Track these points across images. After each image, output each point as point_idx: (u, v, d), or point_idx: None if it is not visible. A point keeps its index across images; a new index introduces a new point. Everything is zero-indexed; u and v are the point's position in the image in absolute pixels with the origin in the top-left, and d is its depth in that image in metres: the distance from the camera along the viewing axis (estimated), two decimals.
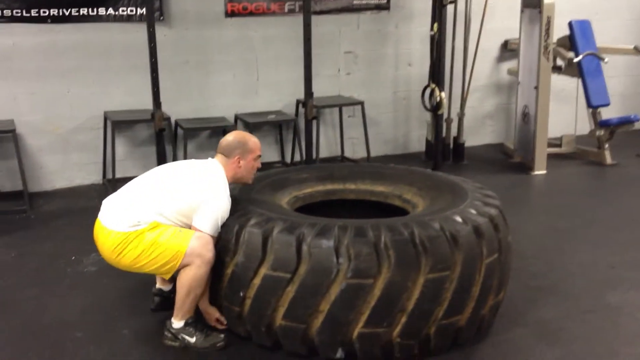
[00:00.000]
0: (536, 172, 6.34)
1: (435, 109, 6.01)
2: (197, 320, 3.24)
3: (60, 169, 5.79)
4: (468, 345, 3.25)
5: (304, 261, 2.95)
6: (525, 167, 6.48)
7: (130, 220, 3.12)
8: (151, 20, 4.83)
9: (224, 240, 3.14)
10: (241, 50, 6.23)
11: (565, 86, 7.33)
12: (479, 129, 7.45)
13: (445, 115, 6.71)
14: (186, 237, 3.09)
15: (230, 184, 3.34)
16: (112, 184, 5.39)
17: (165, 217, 3.16)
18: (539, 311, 3.64)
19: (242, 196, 3.47)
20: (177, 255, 3.07)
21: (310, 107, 5.45)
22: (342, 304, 2.94)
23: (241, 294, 3.08)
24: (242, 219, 3.14)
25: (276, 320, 3.04)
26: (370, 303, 2.94)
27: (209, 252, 3.09)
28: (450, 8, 6.49)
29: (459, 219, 3.16)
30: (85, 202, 5.32)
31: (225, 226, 3.17)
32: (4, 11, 5.33)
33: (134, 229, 3.09)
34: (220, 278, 3.17)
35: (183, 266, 3.10)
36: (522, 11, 6.50)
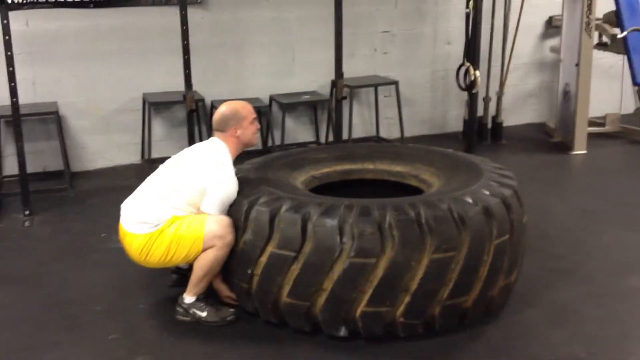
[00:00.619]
0: (575, 152, 6.21)
1: (469, 88, 5.95)
2: (207, 296, 3.37)
3: (102, 149, 6.01)
4: (475, 326, 3.26)
5: (309, 240, 3.01)
6: (565, 146, 6.36)
7: (150, 221, 3.24)
8: (184, 3, 4.95)
9: (234, 218, 3.24)
10: (277, 32, 6.29)
11: (613, 63, 7.13)
12: (521, 108, 7.33)
13: (483, 94, 6.65)
14: (201, 222, 3.19)
15: (236, 162, 3.40)
16: (150, 164, 5.56)
17: (182, 210, 3.27)
18: (554, 293, 3.61)
19: (257, 175, 3.56)
20: (197, 242, 3.18)
21: (340, 87, 5.48)
22: (345, 283, 2.99)
23: (249, 272, 3.17)
24: (252, 198, 3.22)
25: (282, 297, 3.12)
26: (373, 282, 2.98)
27: (229, 235, 3.19)
28: None
29: (468, 199, 3.16)
30: (122, 181, 5.50)
31: (235, 204, 3.27)
32: None
33: (155, 228, 3.22)
34: (230, 255, 3.27)
35: (205, 249, 3.21)
36: None
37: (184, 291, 3.37)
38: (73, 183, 5.59)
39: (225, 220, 3.21)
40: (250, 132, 3.48)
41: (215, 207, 3.26)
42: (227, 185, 3.29)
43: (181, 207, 3.26)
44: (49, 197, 5.26)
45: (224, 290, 3.41)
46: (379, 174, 4.05)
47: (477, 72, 5.83)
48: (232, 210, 3.27)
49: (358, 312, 3.04)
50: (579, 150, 6.21)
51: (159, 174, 3.45)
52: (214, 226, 3.18)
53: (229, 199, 3.29)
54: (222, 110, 3.48)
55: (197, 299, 3.33)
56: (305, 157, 4.07)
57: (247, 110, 3.50)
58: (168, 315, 3.39)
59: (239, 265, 3.23)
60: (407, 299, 3.02)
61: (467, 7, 5.89)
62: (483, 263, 3.11)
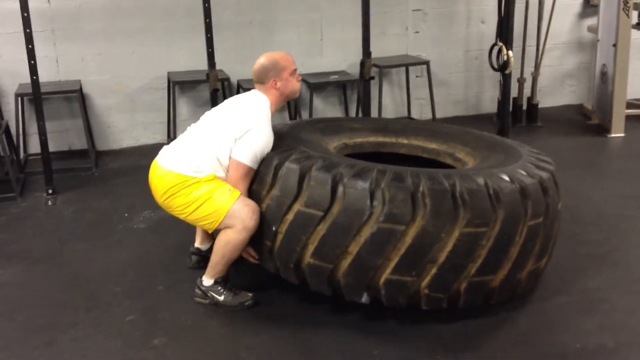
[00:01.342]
0: (613, 135, 5.99)
1: (502, 68, 5.75)
2: (226, 280, 3.29)
3: (127, 128, 5.97)
4: (501, 312, 3.15)
5: (338, 200, 2.92)
6: (603, 129, 6.14)
7: (191, 163, 3.15)
8: None
9: (262, 174, 3.15)
10: (306, 10, 6.16)
11: None
12: (558, 89, 7.10)
13: (517, 75, 6.46)
14: (232, 197, 3.10)
15: (274, 117, 3.31)
16: None
17: (223, 169, 3.18)
18: (585, 280, 3.47)
19: (290, 133, 3.47)
20: (219, 212, 3.09)
21: (368, 67, 5.34)
22: (372, 248, 2.90)
23: (274, 229, 3.07)
24: (283, 155, 3.13)
25: (305, 257, 3.02)
26: (401, 250, 2.89)
27: (252, 221, 3.10)
28: None
29: (505, 177, 3.05)
30: (147, 161, 5.24)
31: (265, 160, 3.18)
32: None
33: (194, 174, 3.13)
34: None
35: (224, 226, 3.13)
36: None
37: (203, 273, 3.29)
38: (98, 162, 5.56)
39: (253, 206, 3.12)
40: (291, 83, 3.38)
41: (247, 156, 3.14)
42: (263, 138, 3.18)
43: (223, 160, 3.17)
44: (73, 176, 5.24)
45: (245, 248, 3.29)
46: (413, 149, 3.94)
47: (510, 52, 5.62)
48: (262, 165, 3.18)
49: (382, 279, 2.95)
50: (617, 133, 5.99)
51: (201, 124, 3.37)
52: (240, 206, 3.09)
53: (262, 152, 3.18)
54: (260, 61, 3.37)
55: (216, 282, 3.25)
56: (340, 124, 3.98)
57: (287, 61, 3.38)
58: (187, 297, 3.33)
59: (264, 222, 3.13)
60: (433, 270, 2.92)
61: None
62: (514, 243, 3.00)
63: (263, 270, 3.33)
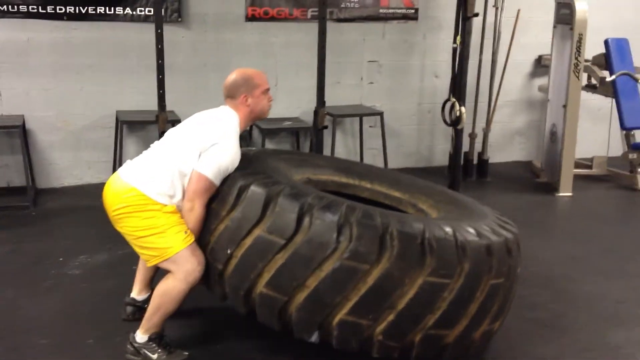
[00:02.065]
0: (561, 194, 6.04)
1: (455, 123, 5.78)
2: (161, 336, 3.11)
3: (70, 166, 5.76)
4: None
5: (303, 230, 2.81)
6: (551, 187, 6.19)
7: (155, 183, 2.99)
8: (159, 21, 4.75)
9: (224, 193, 3.02)
10: (261, 55, 6.11)
11: (602, 105, 7.01)
12: (508, 145, 7.18)
13: (469, 130, 6.50)
14: (186, 241, 2.96)
15: (244, 132, 3.20)
16: None
17: (184, 179, 3.03)
18: (533, 347, 3.40)
19: (257, 157, 3.36)
20: (167, 251, 2.95)
21: (322, 115, 5.29)
22: (332, 284, 2.78)
23: (228, 251, 2.93)
24: (249, 177, 3.01)
25: (258, 286, 2.88)
26: (361, 290, 2.78)
27: (196, 273, 2.96)
28: (478, 21, 6.28)
29: (472, 230, 3.00)
30: (89, 201, 5.25)
31: (229, 179, 3.05)
32: (20, 7, 5.33)
33: (157, 197, 2.97)
34: (211, 232, 3.03)
35: (165, 267, 2.99)
36: (554, 27, 6.22)
37: (137, 326, 3.11)
38: (38, 200, 5.34)
39: (201, 258, 2.99)
40: (262, 102, 3.27)
41: (211, 170, 2.99)
42: (230, 153, 3.05)
43: (186, 174, 3.01)
44: (10, 215, 5.01)
45: None
46: (375, 194, 3.86)
47: (463, 108, 5.66)
48: (225, 184, 3.04)
49: (337, 319, 2.82)
50: (565, 192, 6.05)
51: (166, 139, 3.22)
52: (188, 254, 2.95)
53: (227, 168, 3.04)
54: (233, 76, 3.28)
55: (150, 339, 3.07)
56: (304, 159, 3.92)
57: (261, 79, 3.29)
58: (118, 352, 3.13)
59: (218, 244, 2.99)
60: (391, 317, 2.81)
61: (455, 42, 5.74)
62: (475, 299, 2.93)
63: (201, 320, 3.17)
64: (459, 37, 5.63)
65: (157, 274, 3.36)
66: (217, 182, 3.04)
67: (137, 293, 3.48)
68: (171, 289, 2.97)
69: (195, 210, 3.01)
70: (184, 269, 2.95)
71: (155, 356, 3.05)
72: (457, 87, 5.72)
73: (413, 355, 2.93)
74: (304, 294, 2.82)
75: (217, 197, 3.05)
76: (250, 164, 3.20)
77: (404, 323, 2.84)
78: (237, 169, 3.10)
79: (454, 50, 5.75)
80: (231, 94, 3.26)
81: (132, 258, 3.49)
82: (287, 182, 3.04)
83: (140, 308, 3.39)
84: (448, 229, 2.92)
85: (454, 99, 5.72)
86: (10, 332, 3.35)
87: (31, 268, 4.11)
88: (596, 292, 4.07)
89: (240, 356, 3.17)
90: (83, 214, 5.02)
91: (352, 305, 2.80)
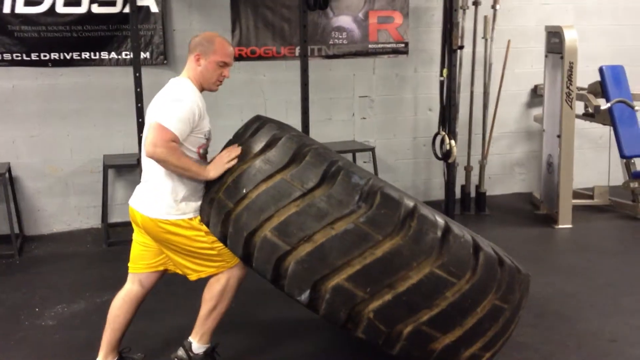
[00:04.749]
0: (560, 226, 5.88)
1: (445, 157, 5.67)
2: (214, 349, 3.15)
3: (59, 212, 5.73)
4: None
5: (326, 185, 2.75)
6: (550, 219, 6.03)
7: (160, 207, 3.00)
8: (137, 65, 4.75)
9: (255, 139, 2.99)
10: (249, 94, 6.08)
11: (602, 133, 6.87)
12: (508, 177, 7.04)
13: (464, 163, 6.38)
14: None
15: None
16: (110, 228, 5.29)
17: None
18: None
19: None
20: (222, 265, 3.07)
21: None
22: (338, 245, 2.69)
23: (244, 191, 2.87)
24: (285, 131, 2.97)
25: (264, 229, 2.79)
26: (366, 260, 2.68)
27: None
28: (469, 53, 6.22)
29: (488, 245, 2.97)
30: (76, 247, 5.19)
31: (265, 127, 3.00)
32: (4, 55, 5.36)
33: (171, 217, 3.00)
34: (232, 172, 2.97)
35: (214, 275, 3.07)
36: (545, 56, 6.13)
37: None
38: (24, 248, 5.29)
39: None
40: (212, 71, 3.11)
41: (170, 119, 2.87)
42: (184, 103, 2.95)
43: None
44: None
45: None
46: None
47: (453, 142, 5.56)
48: (259, 131, 3.01)
49: (333, 282, 2.71)
50: (564, 224, 5.89)
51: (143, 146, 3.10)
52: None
53: (187, 119, 2.93)
54: (199, 34, 3.17)
55: (205, 353, 3.08)
56: None
57: (222, 49, 3.10)
58: None
59: (236, 182, 2.93)
60: (388, 296, 2.70)
61: (441, 75, 5.67)
62: (474, 313, 2.83)
63: None
64: (445, 70, 5.55)
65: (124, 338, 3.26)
66: (177, 132, 2.89)
67: (102, 358, 3.20)
68: (224, 282, 3.08)
69: (158, 154, 2.87)
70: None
71: None
72: (447, 120, 5.62)
73: (397, 348, 2.78)
74: (307, 248, 2.72)
75: (246, 142, 3.02)
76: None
77: (399, 308, 2.72)
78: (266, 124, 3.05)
79: (441, 83, 5.67)
80: (190, 49, 3.13)
81: (108, 307, 3.30)
82: (320, 145, 2.98)
83: None
84: (467, 234, 2.86)
85: (443, 133, 5.62)
86: None
87: (4, 319, 4.03)
88: (589, 330, 3.91)
89: None
90: (67, 261, 4.94)
91: (353, 273, 2.69)
